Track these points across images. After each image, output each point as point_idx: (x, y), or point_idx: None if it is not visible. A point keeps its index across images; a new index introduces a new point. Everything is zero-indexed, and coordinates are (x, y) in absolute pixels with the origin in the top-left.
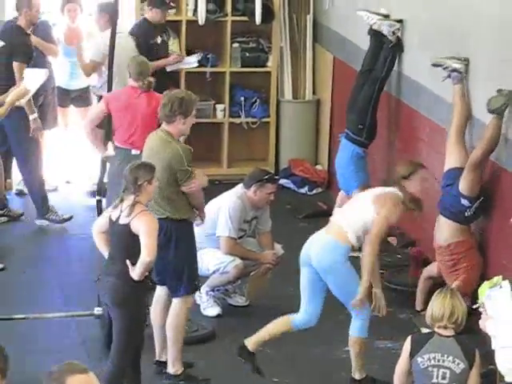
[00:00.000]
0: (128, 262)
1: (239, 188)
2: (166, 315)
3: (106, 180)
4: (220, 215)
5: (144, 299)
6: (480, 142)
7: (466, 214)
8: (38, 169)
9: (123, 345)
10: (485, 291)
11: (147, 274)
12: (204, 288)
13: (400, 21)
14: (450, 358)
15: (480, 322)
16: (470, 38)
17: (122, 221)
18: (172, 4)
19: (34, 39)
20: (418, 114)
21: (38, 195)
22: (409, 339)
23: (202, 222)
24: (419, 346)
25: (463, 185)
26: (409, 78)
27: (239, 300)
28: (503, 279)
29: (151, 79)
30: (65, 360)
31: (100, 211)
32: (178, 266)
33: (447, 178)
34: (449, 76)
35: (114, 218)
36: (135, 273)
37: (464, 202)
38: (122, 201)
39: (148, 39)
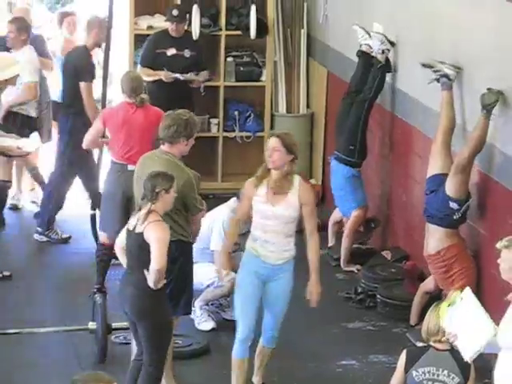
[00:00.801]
0: (145, 271)
1: (232, 201)
2: None
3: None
4: (214, 229)
5: (164, 306)
6: (467, 142)
7: (455, 217)
8: (64, 184)
9: (155, 350)
10: (444, 313)
11: (165, 282)
12: (198, 302)
13: (393, 43)
14: (445, 372)
15: None
16: (464, 51)
17: (137, 229)
18: (176, 16)
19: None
20: (411, 128)
21: (49, 208)
22: (404, 353)
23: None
24: (414, 359)
25: (450, 187)
26: (402, 91)
27: (233, 314)
28: (461, 291)
29: (144, 96)
30: (58, 374)
31: (94, 225)
32: (179, 287)
33: (431, 184)
34: (437, 80)
35: (131, 228)
36: (149, 282)
37: (453, 205)
38: (140, 209)
39: (156, 48)
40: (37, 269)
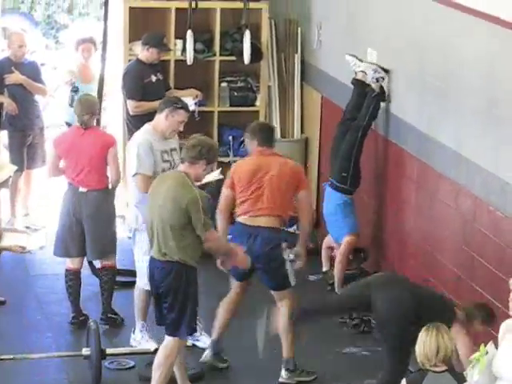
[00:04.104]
0: None
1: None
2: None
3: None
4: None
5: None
6: None
7: None
8: None
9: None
10: (484, 366)
11: None
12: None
13: (387, 71)
14: None
15: None
16: (456, 79)
17: None
18: (169, 47)
19: (21, 79)
20: (405, 153)
21: None
22: (404, 381)
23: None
24: None
25: None
26: (395, 116)
27: (207, 341)
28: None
29: (85, 117)
30: None
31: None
32: (182, 309)
33: None
34: None
35: None
36: None
37: None
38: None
39: (142, 79)
40: (31, 294)
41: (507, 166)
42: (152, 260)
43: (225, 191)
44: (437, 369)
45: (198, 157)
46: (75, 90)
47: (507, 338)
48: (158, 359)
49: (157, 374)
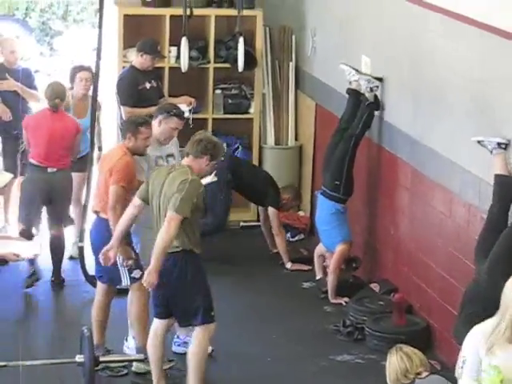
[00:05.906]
0: None
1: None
2: (163, 348)
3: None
4: None
5: None
6: None
7: None
8: None
9: None
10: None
11: None
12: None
13: (380, 79)
14: None
15: None
16: (448, 86)
17: None
18: (163, 54)
19: (15, 85)
20: (399, 160)
21: None
22: None
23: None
24: None
25: None
26: (389, 123)
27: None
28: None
29: (57, 100)
30: None
31: (82, 257)
32: (195, 299)
33: None
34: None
35: None
36: None
37: None
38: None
39: (137, 85)
40: (24, 301)
41: None
42: None
43: None
44: (421, 376)
45: (203, 151)
46: None
47: (504, 347)
48: (191, 348)
49: (192, 364)
